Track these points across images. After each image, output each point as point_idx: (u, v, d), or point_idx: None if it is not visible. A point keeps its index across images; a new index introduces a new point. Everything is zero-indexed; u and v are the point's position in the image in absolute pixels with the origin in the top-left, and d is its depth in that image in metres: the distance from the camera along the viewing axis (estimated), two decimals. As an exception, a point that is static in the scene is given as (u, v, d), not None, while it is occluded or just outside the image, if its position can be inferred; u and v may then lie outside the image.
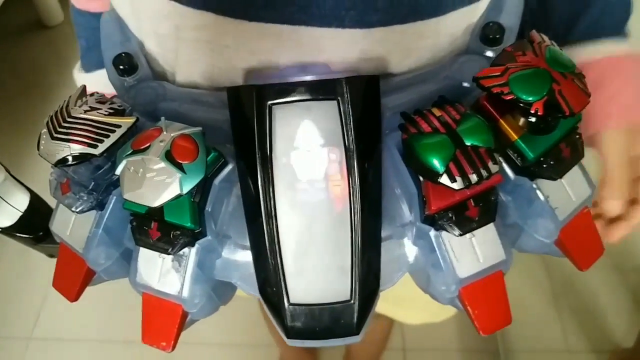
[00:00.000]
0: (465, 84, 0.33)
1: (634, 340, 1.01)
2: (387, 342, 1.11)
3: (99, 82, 0.35)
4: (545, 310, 1.17)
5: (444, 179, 0.26)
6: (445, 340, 1.22)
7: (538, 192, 0.30)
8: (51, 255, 0.43)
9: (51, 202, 0.39)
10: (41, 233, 0.40)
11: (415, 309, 0.69)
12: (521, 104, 0.27)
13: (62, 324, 1.25)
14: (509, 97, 0.27)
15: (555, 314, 1.17)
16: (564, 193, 0.31)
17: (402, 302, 0.66)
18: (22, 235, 0.39)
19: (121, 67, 0.35)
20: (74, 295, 0.34)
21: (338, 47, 0.33)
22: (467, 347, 1.20)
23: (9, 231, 0.38)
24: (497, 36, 0.34)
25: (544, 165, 0.29)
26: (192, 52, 0.34)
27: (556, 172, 0.30)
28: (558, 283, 1.19)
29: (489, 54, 0.35)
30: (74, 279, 0.34)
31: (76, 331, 1.24)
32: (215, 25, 0.32)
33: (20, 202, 0.38)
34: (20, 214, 0.38)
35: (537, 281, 1.19)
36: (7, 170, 0.37)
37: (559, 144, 0.29)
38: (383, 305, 0.72)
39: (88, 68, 0.47)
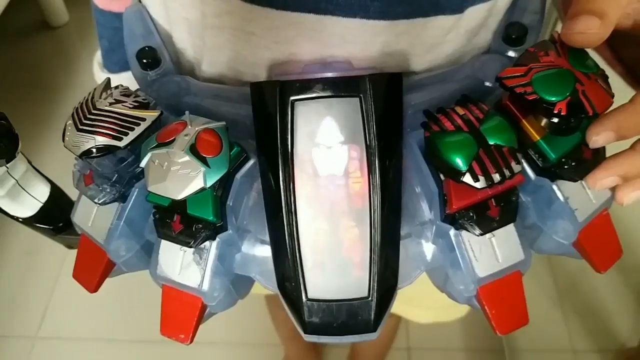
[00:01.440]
0: (487, 84, 0.33)
1: (638, 339, 1.01)
2: (392, 341, 1.11)
3: (126, 82, 0.36)
4: (550, 310, 1.17)
5: (467, 178, 0.27)
6: (449, 340, 1.22)
7: (558, 193, 0.30)
8: (70, 247, 0.43)
9: (71, 194, 0.39)
10: (61, 224, 0.40)
11: (427, 308, 0.69)
12: (544, 104, 0.27)
13: (68, 323, 1.25)
14: (532, 97, 0.27)
15: (560, 313, 1.17)
16: (584, 195, 0.31)
17: (413, 300, 0.66)
18: (42, 225, 0.40)
19: (144, 60, 0.36)
20: (93, 286, 0.34)
21: (361, 39, 0.33)
22: (471, 346, 1.20)
23: (30, 222, 0.39)
24: (520, 36, 0.34)
25: (565, 167, 0.29)
26: (217, 39, 0.35)
27: (577, 174, 0.30)
28: (563, 283, 1.19)
29: (511, 54, 0.34)
30: (94, 270, 0.34)
31: (82, 330, 1.24)
32: (241, 12, 0.32)
33: (41, 193, 0.38)
34: (41, 204, 0.38)
35: (541, 281, 1.19)
36: (29, 162, 0.37)
37: (580, 145, 0.29)
38: (395, 303, 0.72)
39: (111, 68, 0.48)
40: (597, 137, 0.27)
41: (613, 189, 0.31)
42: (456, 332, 1.21)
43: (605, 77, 0.28)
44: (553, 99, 0.26)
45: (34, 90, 1.70)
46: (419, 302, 0.68)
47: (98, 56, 0.50)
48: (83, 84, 1.68)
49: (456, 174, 0.27)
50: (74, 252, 0.37)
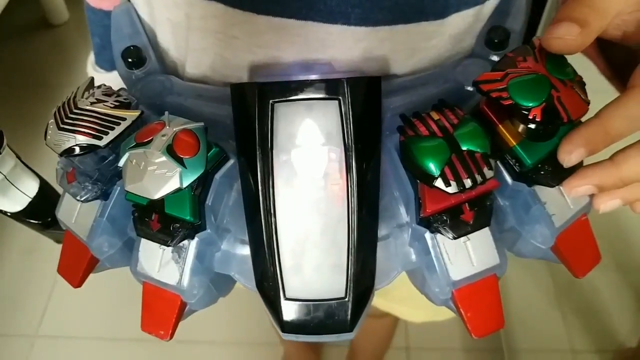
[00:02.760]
0: (468, 88, 0.34)
1: (637, 339, 1.00)
2: (390, 340, 1.12)
3: (117, 80, 0.36)
4: (549, 309, 1.17)
5: (439, 183, 0.27)
6: (448, 339, 1.22)
7: (536, 198, 0.31)
8: (58, 241, 0.44)
9: (60, 189, 0.40)
10: (49, 219, 0.40)
11: (420, 307, 0.70)
12: (520, 110, 0.27)
13: (67, 321, 1.26)
14: (507, 102, 0.27)
15: (559, 313, 1.16)
16: (561, 200, 0.31)
17: (407, 300, 0.67)
18: (30, 220, 0.40)
19: (130, 59, 0.36)
20: (77, 281, 0.35)
21: (343, 45, 0.33)
22: (470, 346, 1.20)
23: (18, 216, 0.39)
24: (502, 40, 0.34)
25: (542, 172, 0.29)
26: (201, 41, 0.35)
27: (554, 179, 0.30)
28: (561, 282, 1.19)
29: (494, 58, 0.35)
30: (77, 265, 0.35)
31: (82, 329, 1.25)
32: (225, 16, 0.33)
33: (30, 188, 0.39)
34: (30, 199, 0.39)
35: (540, 280, 1.19)
36: (18, 157, 0.38)
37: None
38: (388, 303, 0.72)
39: (103, 66, 0.48)
40: (570, 156, 0.27)
41: (591, 195, 0.31)
42: (455, 331, 1.22)
43: (582, 84, 0.28)
44: (529, 104, 0.26)
45: (34, 88, 1.70)
46: (413, 302, 0.68)
47: (92, 56, 0.51)
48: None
49: (428, 179, 0.27)
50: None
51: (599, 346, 1.13)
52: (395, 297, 0.67)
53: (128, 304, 1.23)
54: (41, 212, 0.40)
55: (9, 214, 0.39)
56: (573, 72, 0.28)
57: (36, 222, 0.41)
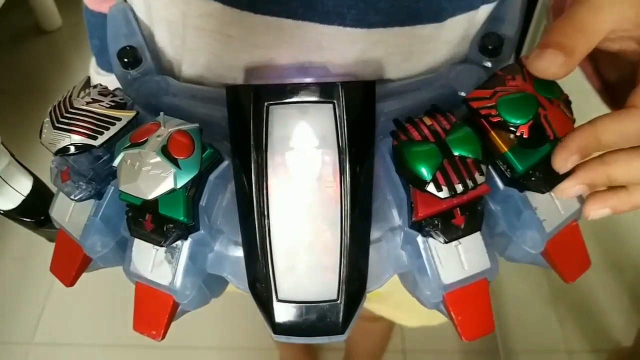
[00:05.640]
0: (461, 93, 0.34)
1: (633, 338, 1.01)
2: (387, 343, 1.12)
3: (117, 82, 0.37)
4: (545, 310, 1.17)
5: (431, 187, 0.27)
6: (444, 342, 1.22)
7: (527, 203, 0.31)
8: (51, 240, 0.44)
9: (53, 188, 0.40)
10: (43, 217, 0.40)
11: (415, 312, 0.70)
12: (508, 127, 0.28)
13: (63, 328, 1.25)
14: (496, 120, 0.28)
15: (554, 313, 1.17)
16: (552, 206, 0.32)
17: (401, 305, 0.67)
18: (24, 218, 0.40)
19: (125, 59, 0.36)
20: (69, 280, 0.35)
21: (338, 46, 0.33)
22: (466, 348, 1.21)
23: (12, 214, 0.39)
24: (496, 46, 0.34)
25: (533, 178, 0.30)
26: (197, 40, 0.35)
27: (545, 185, 0.30)
28: (557, 283, 1.19)
29: (488, 64, 0.35)
30: (70, 264, 0.35)
31: (77, 336, 1.25)
32: (221, 15, 0.33)
33: (23, 186, 0.39)
34: (23, 197, 0.39)
35: (536, 281, 1.19)
36: (12, 155, 0.38)
37: (548, 157, 0.30)
38: (382, 307, 0.73)
39: (104, 67, 0.49)
40: (566, 164, 0.28)
41: (581, 201, 0.31)
42: (451, 333, 1.20)
43: (568, 103, 0.29)
44: (516, 122, 0.28)
45: (27, 95, 1.69)
46: (407, 307, 0.68)
47: (93, 59, 0.51)
48: (77, 87, 1.69)
49: (420, 183, 0.27)
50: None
51: (595, 346, 1.13)
52: (390, 302, 0.68)
53: (123, 310, 1.22)
54: (34, 211, 0.40)
55: (2, 211, 0.39)
56: (559, 91, 0.29)
57: (29, 220, 0.41)
